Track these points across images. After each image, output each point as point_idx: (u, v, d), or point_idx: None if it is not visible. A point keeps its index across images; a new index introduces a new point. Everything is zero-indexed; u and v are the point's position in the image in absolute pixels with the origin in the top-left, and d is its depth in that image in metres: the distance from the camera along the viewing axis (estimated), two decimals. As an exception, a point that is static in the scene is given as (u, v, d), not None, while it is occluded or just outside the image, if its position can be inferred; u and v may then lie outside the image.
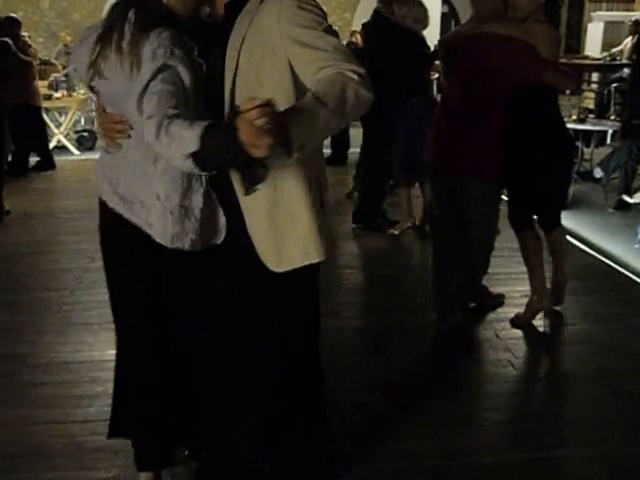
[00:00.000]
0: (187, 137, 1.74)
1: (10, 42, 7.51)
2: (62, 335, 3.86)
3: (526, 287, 3.98)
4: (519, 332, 3.86)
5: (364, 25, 5.91)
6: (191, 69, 2.00)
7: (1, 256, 5.31)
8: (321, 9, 1.93)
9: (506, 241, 4.20)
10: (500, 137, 3.50)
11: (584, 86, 9.75)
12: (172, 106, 1.88)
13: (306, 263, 2.12)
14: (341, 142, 8.75)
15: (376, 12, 5.51)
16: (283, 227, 2.09)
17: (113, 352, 3.58)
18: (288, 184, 2.04)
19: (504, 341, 3.74)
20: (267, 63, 1.93)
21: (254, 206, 2.09)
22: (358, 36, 12.23)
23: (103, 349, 3.64)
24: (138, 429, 2.49)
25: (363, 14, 17.35)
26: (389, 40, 5.32)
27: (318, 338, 2.38)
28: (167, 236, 2.19)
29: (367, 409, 3.12)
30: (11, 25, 7.90)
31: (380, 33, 5.46)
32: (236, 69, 1.97)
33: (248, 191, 2.00)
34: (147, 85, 1.95)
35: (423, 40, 5.40)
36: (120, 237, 2.29)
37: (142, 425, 2.47)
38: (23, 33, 8.53)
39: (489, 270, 4.12)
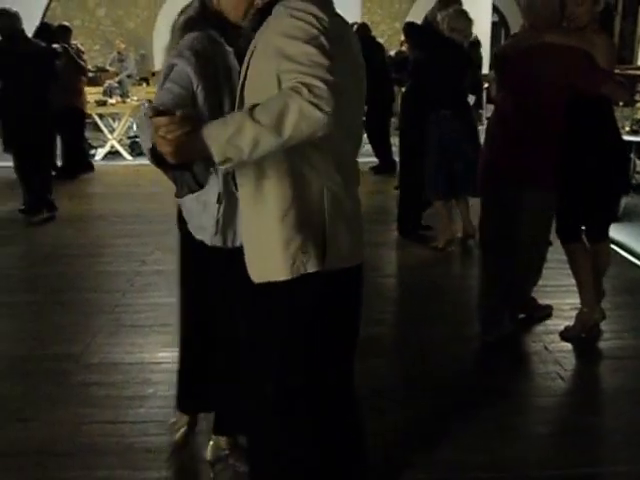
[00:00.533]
0: (148, 134, 1.80)
1: (66, 47, 7.88)
2: (113, 336, 3.94)
3: (575, 300, 3.93)
4: (568, 345, 3.80)
5: (403, 29, 5.83)
6: (201, 71, 2.11)
7: (55, 257, 5.45)
8: (317, 17, 1.78)
9: (556, 253, 4.14)
10: (556, 147, 3.47)
11: (637, 97, 9.57)
12: (160, 103, 1.98)
13: (266, 280, 1.97)
14: (383, 151, 8.74)
15: (425, 20, 5.45)
16: (258, 235, 1.99)
17: (163, 354, 3.68)
18: (267, 192, 1.92)
19: (553, 354, 3.70)
20: (264, 72, 1.86)
21: (243, 207, 2.04)
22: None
23: (153, 351, 3.71)
24: (180, 374, 2.76)
25: (413, 23, 17.38)
26: (427, 46, 5.25)
27: (343, 366, 2.19)
28: (193, 227, 2.36)
29: (411, 419, 3.11)
30: (63, 33, 8.30)
31: (421, 39, 5.41)
32: (245, 75, 1.94)
33: (177, 194, 2.11)
34: (162, 85, 2.13)
35: (460, 50, 5.16)
36: (181, 225, 2.47)
37: (184, 370, 2.75)
38: (74, 41, 8.88)
39: (538, 282, 4.08)
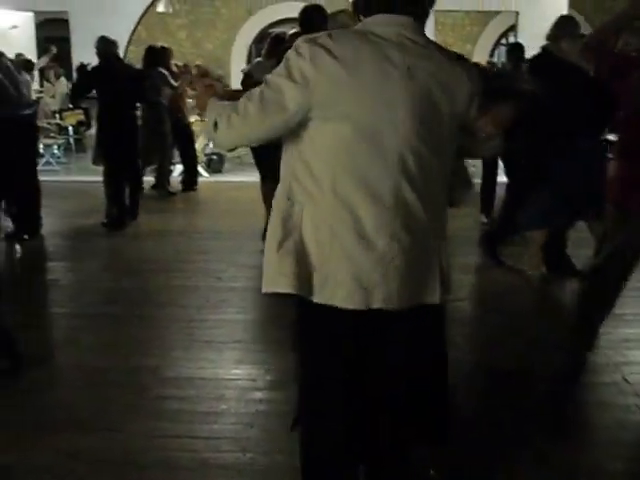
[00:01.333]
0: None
1: (187, 65, 9.23)
2: (188, 351, 4.01)
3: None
4: (649, 377, 3.68)
5: (528, 64, 5.72)
6: None
7: (134, 271, 5.62)
8: (306, 57, 1.85)
9: (635, 280, 3.98)
10: None
11: None
12: None
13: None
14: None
15: (544, 49, 5.35)
16: None
17: (237, 371, 3.73)
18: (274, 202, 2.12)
19: (633, 386, 3.57)
20: None
21: None
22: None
23: (227, 367, 3.77)
24: None
25: (484, 46, 17.31)
26: (554, 78, 5.15)
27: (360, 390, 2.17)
28: None
29: (482, 447, 3.04)
30: (163, 54, 8.82)
31: (545, 70, 5.32)
32: None
33: None
34: None
35: (591, 79, 4.81)
36: None
37: None
38: (172, 61, 9.44)
39: (617, 311, 3.93)
